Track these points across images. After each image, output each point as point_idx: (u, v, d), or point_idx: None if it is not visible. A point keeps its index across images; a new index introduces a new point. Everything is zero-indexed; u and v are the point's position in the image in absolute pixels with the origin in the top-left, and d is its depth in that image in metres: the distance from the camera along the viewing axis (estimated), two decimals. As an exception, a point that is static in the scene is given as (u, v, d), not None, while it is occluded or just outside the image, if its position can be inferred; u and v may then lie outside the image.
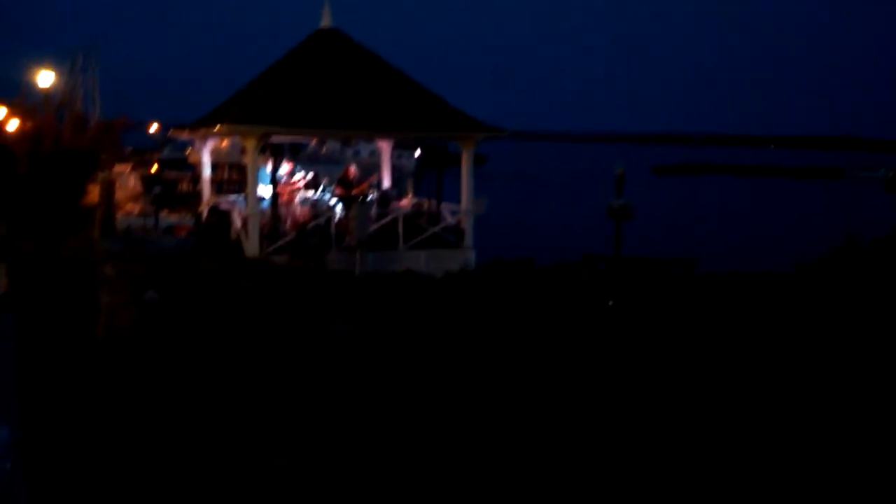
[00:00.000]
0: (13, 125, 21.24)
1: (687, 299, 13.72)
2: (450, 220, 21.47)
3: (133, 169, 30.40)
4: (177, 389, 7.09)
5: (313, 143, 36.87)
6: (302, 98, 20.22)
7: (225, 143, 29.38)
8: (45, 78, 20.28)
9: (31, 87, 19.96)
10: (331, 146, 52.00)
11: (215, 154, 26.26)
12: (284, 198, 20.40)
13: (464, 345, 9.77)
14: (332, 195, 21.22)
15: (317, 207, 20.65)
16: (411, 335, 10.01)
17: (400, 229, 20.30)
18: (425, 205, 22.55)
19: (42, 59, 20.67)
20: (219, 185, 26.41)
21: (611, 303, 13.02)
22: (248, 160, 19.78)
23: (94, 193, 14.53)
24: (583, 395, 8.04)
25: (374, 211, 20.31)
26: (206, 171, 24.27)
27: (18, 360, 7.68)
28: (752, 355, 9.66)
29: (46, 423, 6.17)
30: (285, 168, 20.76)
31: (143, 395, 6.81)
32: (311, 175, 23.47)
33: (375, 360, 8.77)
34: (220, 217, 21.06)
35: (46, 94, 18.01)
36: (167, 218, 23.70)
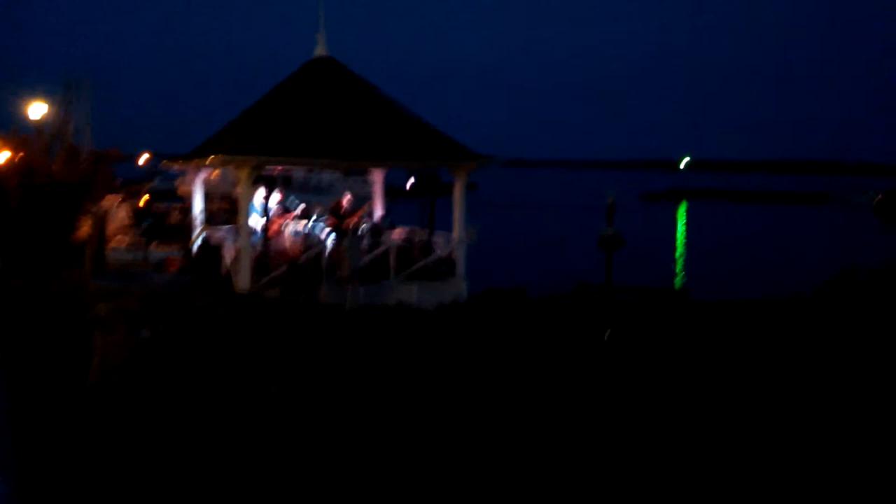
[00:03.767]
0: (3, 157, 21.09)
1: (684, 329, 13.67)
2: (442, 249, 21.33)
3: (122, 201, 30.20)
4: (174, 438, 6.94)
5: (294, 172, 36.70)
6: (296, 128, 20.14)
7: (215, 173, 29.27)
8: (37, 109, 20.18)
9: (23, 118, 19.87)
10: (321, 176, 51.97)
11: (206, 185, 26.12)
12: (276, 229, 20.25)
13: (459, 382, 9.65)
14: (325, 225, 21.04)
15: (308, 239, 20.47)
16: (407, 375, 9.89)
17: (392, 261, 20.15)
18: (417, 234, 22.43)
19: (34, 90, 20.59)
20: (209, 217, 26.22)
21: (608, 332, 12.96)
22: (239, 191, 19.65)
23: (85, 227, 14.39)
24: (585, 435, 7.93)
25: (365, 242, 20.15)
26: (197, 203, 24.12)
27: (11, 407, 7.51)
28: (753, 388, 9.58)
29: (40, 476, 6.02)
30: (277, 198, 20.64)
31: (139, 447, 6.66)
32: (302, 206, 23.31)
33: (374, 400, 8.65)
34: (211, 251, 20.89)
35: (38, 126, 17.92)
36: (157, 251, 23.50)
